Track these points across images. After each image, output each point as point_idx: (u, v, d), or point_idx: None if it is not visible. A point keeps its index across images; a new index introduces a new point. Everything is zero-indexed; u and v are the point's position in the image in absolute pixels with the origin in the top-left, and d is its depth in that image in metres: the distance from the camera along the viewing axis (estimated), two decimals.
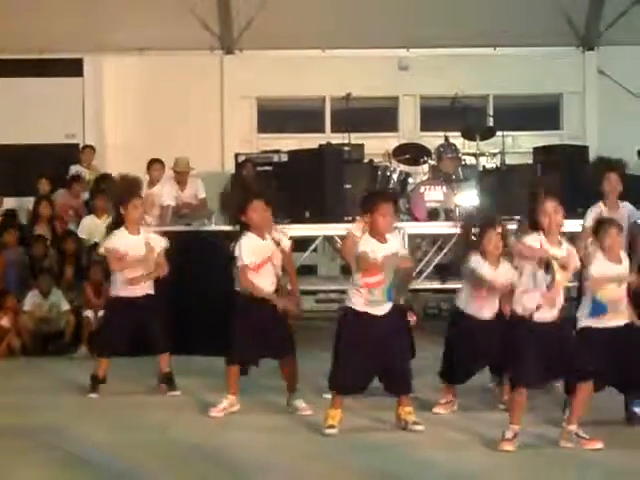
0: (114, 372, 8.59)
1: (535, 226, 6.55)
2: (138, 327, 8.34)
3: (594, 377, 6.66)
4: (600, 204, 8.92)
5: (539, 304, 6.49)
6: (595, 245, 7.00)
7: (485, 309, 7.60)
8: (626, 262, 7.03)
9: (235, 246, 7.55)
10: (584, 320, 7.00)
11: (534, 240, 6.51)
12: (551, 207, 6.48)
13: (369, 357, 6.87)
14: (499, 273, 7.51)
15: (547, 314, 6.51)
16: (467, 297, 7.70)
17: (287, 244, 8.07)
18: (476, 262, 7.57)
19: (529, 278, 6.55)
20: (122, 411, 7.85)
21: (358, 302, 6.93)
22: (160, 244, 8.50)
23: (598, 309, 6.94)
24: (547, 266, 6.44)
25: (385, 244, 6.92)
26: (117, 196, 8.56)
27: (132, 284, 8.27)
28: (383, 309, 6.96)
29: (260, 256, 7.54)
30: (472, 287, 7.64)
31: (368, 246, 6.88)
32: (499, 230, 7.56)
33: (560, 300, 6.57)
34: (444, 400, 7.71)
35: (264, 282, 7.56)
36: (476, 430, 6.96)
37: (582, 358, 6.60)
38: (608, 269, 6.89)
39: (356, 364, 6.88)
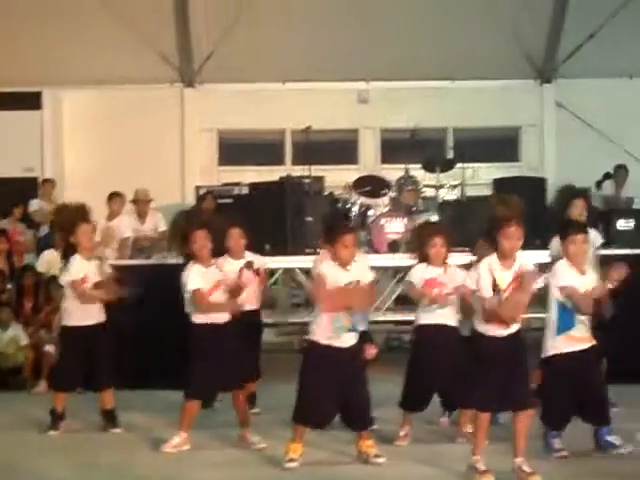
0: (68, 407, 8.39)
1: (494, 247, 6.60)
2: (89, 358, 8.18)
3: (561, 409, 6.79)
4: None
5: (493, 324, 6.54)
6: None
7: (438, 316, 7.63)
8: (592, 275, 7.04)
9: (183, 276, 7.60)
10: (550, 344, 7.03)
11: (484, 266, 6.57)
12: (511, 232, 6.49)
13: (333, 391, 6.85)
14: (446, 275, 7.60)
15: (503, 331, 6.54)
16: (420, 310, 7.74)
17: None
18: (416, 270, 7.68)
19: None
20: (79, 448, 7.72)
21: (321, 335, 6.90)
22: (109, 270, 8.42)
23: (566, 321, 6.95)
24: (495, 288, 6.49)
25: (347, 272, 6.92)
26: (63, 226, 8.48)
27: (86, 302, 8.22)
28: (347, 340, 6.91)
29: (209, 283, 7.55)
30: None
31: (329, 271, 6.91)
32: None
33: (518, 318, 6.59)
34: (403, 432, 7.69)
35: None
36: (438, 462, 6.95)
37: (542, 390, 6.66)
38: (573, 277, 6.93)
39: (321, 398, 6.84)
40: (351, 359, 6.94)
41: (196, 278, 7.51)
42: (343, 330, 6.87)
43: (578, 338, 6.98)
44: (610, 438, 7.18)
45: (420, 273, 7.62)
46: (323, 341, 6.89)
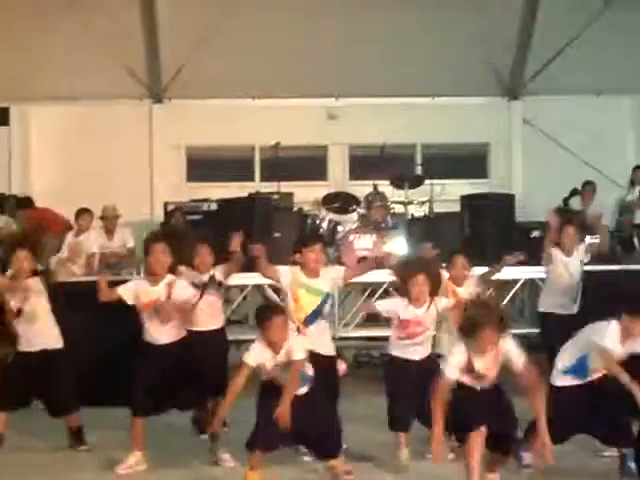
0: (16, 425, 8.24)
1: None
2: (41, 384, 7.94)
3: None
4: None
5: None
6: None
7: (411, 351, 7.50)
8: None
9: None
10: (560, 377, 7.02)
11: None
12: (487, 337, 6.35)
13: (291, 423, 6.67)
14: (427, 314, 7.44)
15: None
16: (393, 340, 7.62)
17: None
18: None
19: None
20: (28, 470, 7.60)
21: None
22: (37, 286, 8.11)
23: (579, 372, 6.93)
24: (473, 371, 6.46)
25: (278, 355, 6.75)
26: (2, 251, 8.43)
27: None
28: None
29: (145, 298, 7.48)
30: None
31: (259, 358, 6.77)
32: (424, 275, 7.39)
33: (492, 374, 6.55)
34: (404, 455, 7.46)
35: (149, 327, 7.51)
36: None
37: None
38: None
39: (273, 425, 6.63)
40: (305, 401, 6.77)
41: (124, 290, 7.53)
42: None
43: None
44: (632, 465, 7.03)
45: (397, 310, 7.45)
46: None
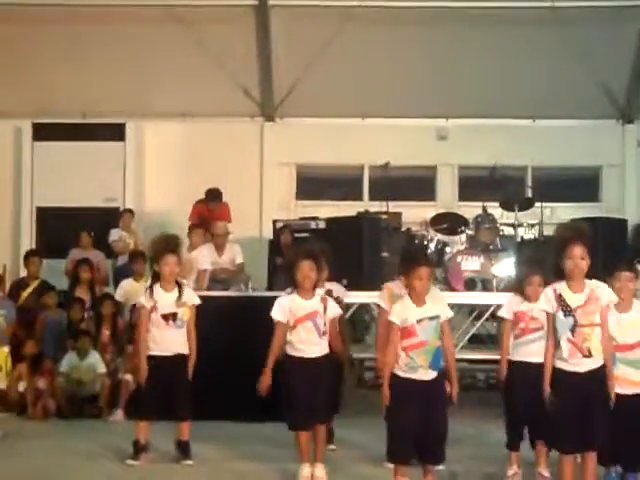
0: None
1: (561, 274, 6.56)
2: (168, 387, 8.09)
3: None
4: None
5: None
6: None
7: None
8: None
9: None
10: None
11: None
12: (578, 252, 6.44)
13: (414, 422, 6.71)
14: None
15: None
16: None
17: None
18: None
19: None
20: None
21: (399, 367, 6.82)
22: (194, 301, 8.36)
23: None
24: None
25: (422, 307, 6.85)
26: (151, 254, 8.53)
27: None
28: (427, 375, 6.81)
29: (299, 312, 7.45)
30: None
31: (401, 312, 6.84)
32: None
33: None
34: (511, 472, 7.38)
35: (304, 340, 7.49)
36: None
37: None
38: None
39: (406, 430, 6.72)
40: (431, 390, 6.79)
41: (278, 309, 7.48)
42: (417, 369, 6.80)
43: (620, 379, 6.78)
44: None
45: (511, 305, 7.50)
46: (401, 374, 6.82)
